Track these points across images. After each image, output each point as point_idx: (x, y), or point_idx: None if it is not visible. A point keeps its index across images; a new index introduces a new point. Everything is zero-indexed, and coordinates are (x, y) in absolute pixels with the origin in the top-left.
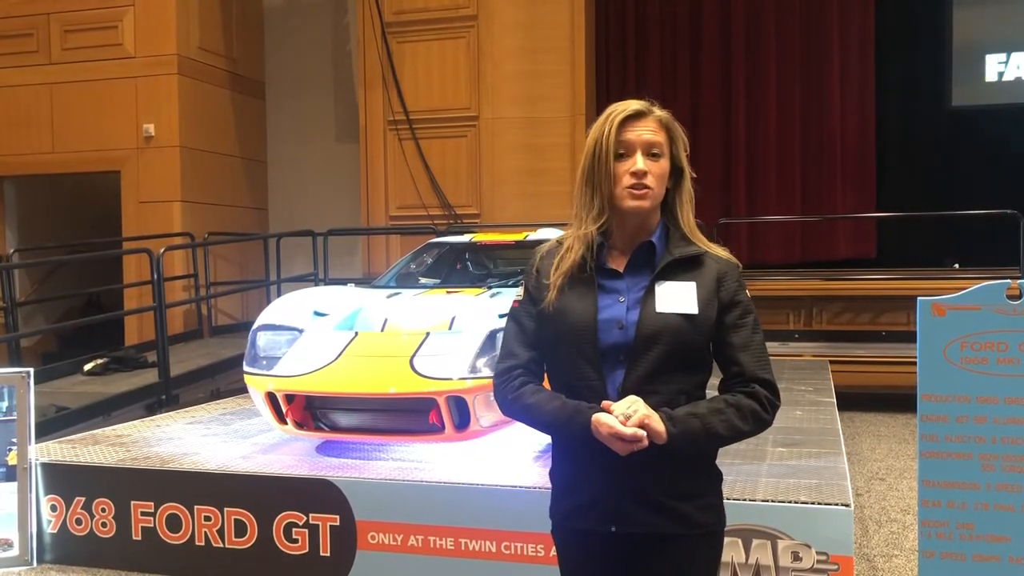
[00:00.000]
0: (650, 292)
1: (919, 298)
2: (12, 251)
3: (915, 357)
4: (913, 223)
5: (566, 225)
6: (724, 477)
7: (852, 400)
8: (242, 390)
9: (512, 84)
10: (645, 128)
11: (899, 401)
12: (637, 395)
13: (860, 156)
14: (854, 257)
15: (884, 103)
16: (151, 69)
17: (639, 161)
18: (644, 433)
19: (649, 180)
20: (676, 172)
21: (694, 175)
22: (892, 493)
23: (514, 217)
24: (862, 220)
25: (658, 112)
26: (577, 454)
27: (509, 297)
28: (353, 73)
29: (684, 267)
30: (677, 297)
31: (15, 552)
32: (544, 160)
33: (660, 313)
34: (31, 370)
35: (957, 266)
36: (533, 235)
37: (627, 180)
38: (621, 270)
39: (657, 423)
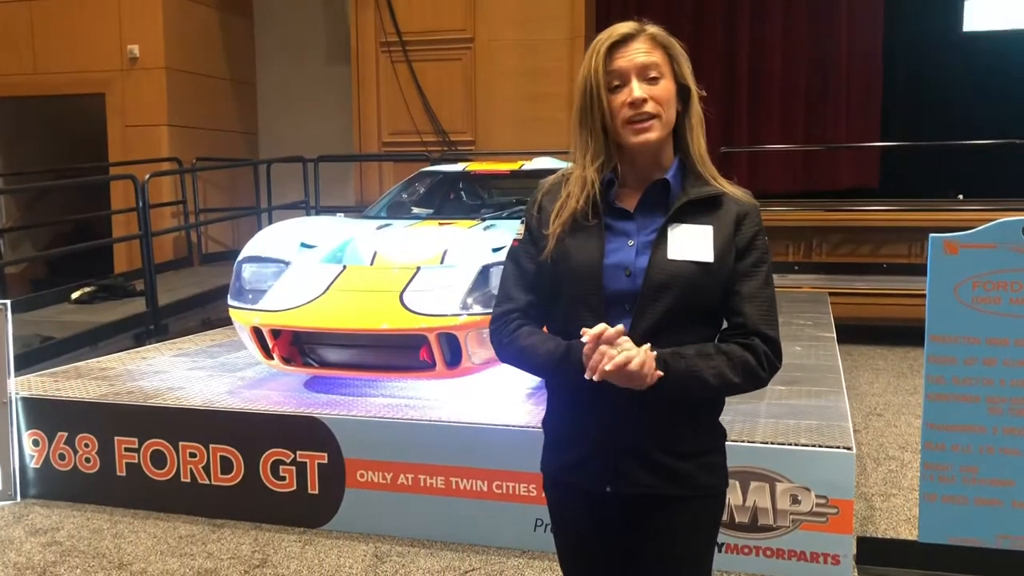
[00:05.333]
0: (662, 236)
1: (931, 235)
2: None
3: (916, 290)
4: (918, 153)
5: (564, 153)
6: (722, 417)
7: (850, 333)
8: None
9: (509, 5)
10: (637, 51)
11: (898, 334)
12: (651, 345)
13: (866, 83)
14: (856, 187)
15: (892, 28)
16: None
17: (635, 88)
18: (632, 356)
19: (651, 107)
20: (683, 93)
21: (702, 93)
22: (890, 430)
23: (511, 144)
24: (865, 149)
25: (650, 29)
26: (573, 407)
27: (503, 230)
28: None
29: (701, 209)
30: (692, 242)
31: None
32: (542, 84)
33: (672, 260)
34: (7, 302)
35: (961, 197)
36: (529, 164)
37: (625, 112)
38: (632, 210)
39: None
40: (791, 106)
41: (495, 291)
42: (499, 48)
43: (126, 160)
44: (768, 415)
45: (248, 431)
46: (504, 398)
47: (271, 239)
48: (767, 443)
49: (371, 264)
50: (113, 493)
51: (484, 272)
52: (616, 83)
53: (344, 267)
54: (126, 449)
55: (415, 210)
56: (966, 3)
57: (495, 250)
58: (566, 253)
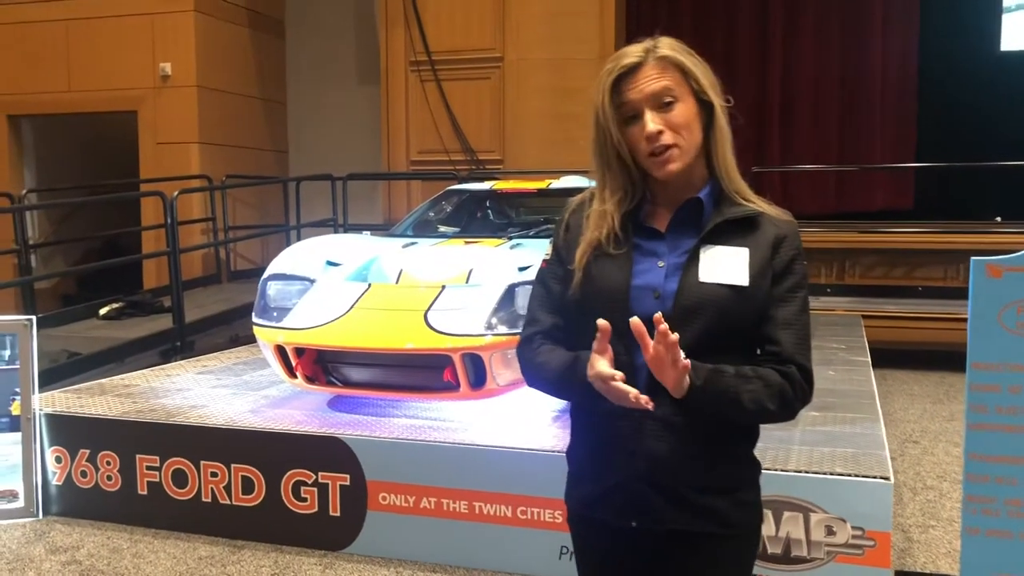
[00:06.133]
0: (694, 257)
1: (972, 258)
2: (25, 191)
3: (951, 313)
4: (954, 174)
5: (590, 173)
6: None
7: (884, 356)
8: None
9: (538, 24)
10: (646, 79)
11: (932, 358)
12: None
13: (901, 103)
14: (891, 208)
15: (928, 47)
16: (167, 5)
17: (648, 122)
18: (633, 391)
19: (667, 137)
20: (707, 109)
21: (729, 102)
22: (927, 458)
23: (538, 163)
24: (900, 170)
25: (660, 51)
26: (597, 438)
27: (529, 249)
28: (375, 11)
29: (736, 229)
30: (725, 265)
31: (20, 504)
32: (570, 104)
33: (703, 283)
34: (33, 318)
35: (999, 219)
36: (556, 183)
37: (644, 147)
38: (663, 230)
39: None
40: (824, 126)
41: (521, 311)
42: (528, 67)
43: (157, 177)
44: (802, 442)
45: (270, 451)
46: (530, 421)
47: (296, 257)
48: (801, 472)
49: (396, 282)
50: (134, 512)
51: (510, 291)
52: (631, 115)
53: (369, 285)
54: (148, 467)
55: (441, 228)
56: (1003, 22)
57: (521, 269)
58: (591, 278)
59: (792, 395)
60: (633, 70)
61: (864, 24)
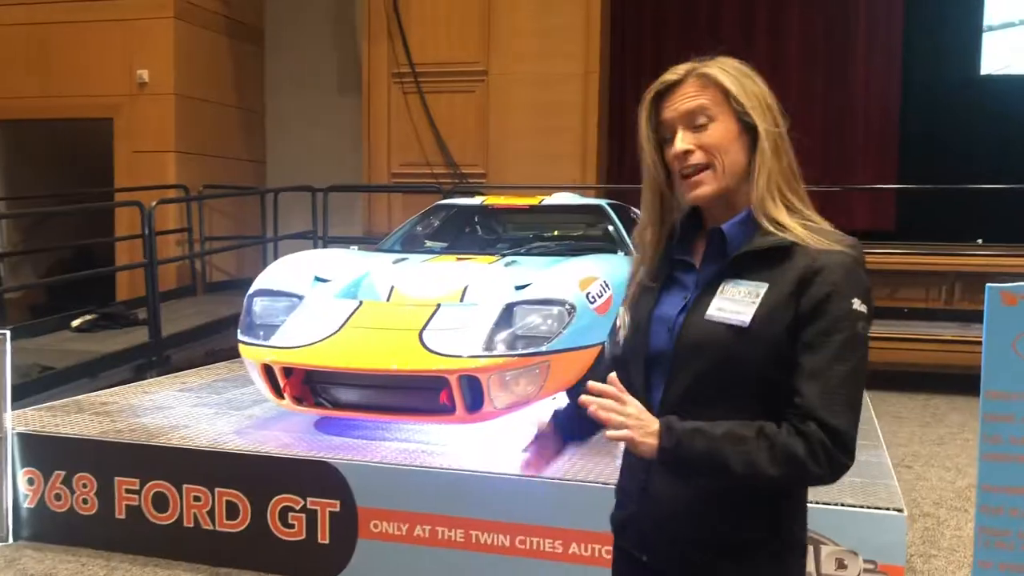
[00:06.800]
0: (708, 292)
1: (987, 285)
2: None
3: (935, 335)
4: (935, 195)
5: (578, 188)
6: None
7: (868, 379)
8: (237, 352)
9: (523, 37)
10: (682, 97)
11: (917, 381)
12: (677, 417)
13: (883, 125)
14: (872, 229)
15: (910, 70)
16: (145, 12)
17: (678, 140)
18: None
19: (698, 157)
20: (752, 131)
21: (782, 126)
22: (921, 483)
23: (522, 178)
24: (881, 191)
25: (703, 68)
26: (627, 466)
27: (525, 267)
28: (357, 21)
29: (764, 261)
30: (736, 302)
31: None
32: (555, 118)
33: (708, 320)
34: (7, 332)
35: (981, 241)
36: (549, 199)
37: (676, 166)
38: (698, 264)
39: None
40: (806, 146)
41: (519, 332)
42: (512, 81)
43: (132, 186)
44: None
45: (256, 475)
46: (528, 446)
47: (283, 272)
48: (810, 502)
49: (388, 300)
50: (111, 537)
51: (508, 311)
52: (668, 135)
53: (360, 303)
54: (126, 490)
55: (428, 243)
56: (983, 45)
57: (518, 288)
58: (632, 308)
59: (806, 457)
60: (671, 88)
61: (847, 47)
